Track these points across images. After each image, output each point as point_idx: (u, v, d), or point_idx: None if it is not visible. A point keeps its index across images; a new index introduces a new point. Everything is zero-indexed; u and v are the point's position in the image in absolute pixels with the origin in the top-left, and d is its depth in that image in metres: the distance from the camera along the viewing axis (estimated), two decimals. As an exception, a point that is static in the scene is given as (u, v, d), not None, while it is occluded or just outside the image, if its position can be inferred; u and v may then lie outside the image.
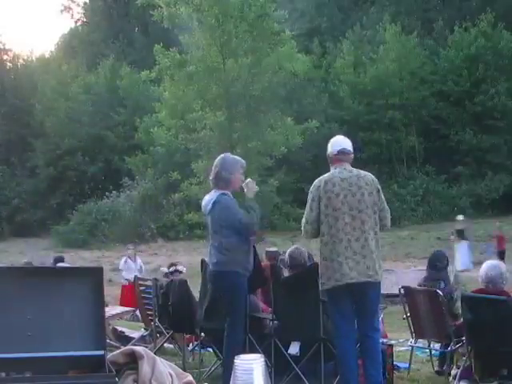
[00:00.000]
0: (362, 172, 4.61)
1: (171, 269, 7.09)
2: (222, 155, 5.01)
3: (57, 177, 33.85)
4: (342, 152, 4.62)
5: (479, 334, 4.82)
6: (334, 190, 4.44)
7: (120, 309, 9.10)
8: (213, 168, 4.93)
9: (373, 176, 4.61)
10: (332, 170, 4.59)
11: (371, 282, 4.38)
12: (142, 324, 7.95)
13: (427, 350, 6.18)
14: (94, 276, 2.24)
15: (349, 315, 4.43)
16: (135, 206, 29.18)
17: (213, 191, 4.89)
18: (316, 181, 4.58)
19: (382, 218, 4.53)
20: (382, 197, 4.56)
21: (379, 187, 4.58)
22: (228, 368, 4.17)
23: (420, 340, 6.03)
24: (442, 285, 5.83)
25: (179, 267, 7.11)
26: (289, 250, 5.71)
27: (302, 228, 4.58)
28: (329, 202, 4.43)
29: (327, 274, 4.45)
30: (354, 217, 4.40)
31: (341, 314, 4.45)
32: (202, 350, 6.31)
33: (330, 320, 4.63)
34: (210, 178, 4.95)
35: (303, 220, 4.58)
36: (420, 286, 6.01)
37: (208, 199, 4.87)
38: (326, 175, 4.59)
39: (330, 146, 4.67)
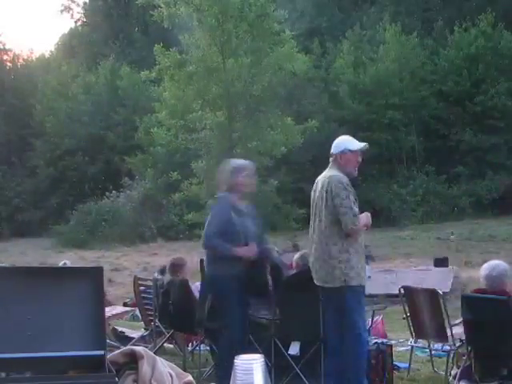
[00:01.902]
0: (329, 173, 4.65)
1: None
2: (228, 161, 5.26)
3: (57, 177, 33.85)
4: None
5: (479, 334, 4.82)
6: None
7: (120, 309, 9.13)
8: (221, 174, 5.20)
9: (334, 178, 4.56)
10: (341, 173, 4.61)
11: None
12: (142, 324, 7.95)
13: (427, 350, 6.18)
14: (94, 276, 2.25)
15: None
16: (135, 206, 29.15)
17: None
18: (344, 178, 4.56)
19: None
20: (337, 202, 4.51)
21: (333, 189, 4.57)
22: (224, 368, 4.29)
23: (420, 340, 6.04)
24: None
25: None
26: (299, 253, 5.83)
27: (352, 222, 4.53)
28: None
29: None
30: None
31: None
32: (201, 350, 6.31)
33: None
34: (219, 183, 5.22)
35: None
36: None
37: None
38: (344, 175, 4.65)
39: (351, 144, 4.71)
